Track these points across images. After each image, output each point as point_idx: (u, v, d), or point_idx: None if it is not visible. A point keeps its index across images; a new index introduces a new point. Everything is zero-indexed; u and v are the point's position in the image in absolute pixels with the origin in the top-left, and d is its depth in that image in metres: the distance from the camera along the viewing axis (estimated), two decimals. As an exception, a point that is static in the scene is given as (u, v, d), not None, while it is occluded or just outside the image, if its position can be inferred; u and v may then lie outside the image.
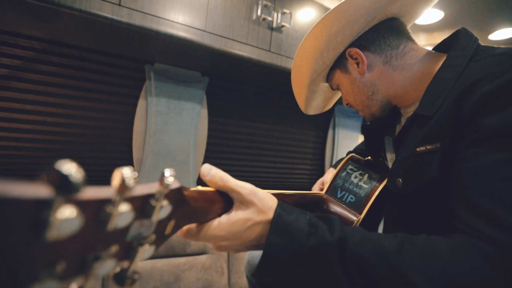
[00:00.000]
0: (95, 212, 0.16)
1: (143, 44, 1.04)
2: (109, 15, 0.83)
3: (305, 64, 0.58)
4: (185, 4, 0.95)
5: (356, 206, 0.53)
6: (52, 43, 1.06)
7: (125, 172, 0.16)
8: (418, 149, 0.42)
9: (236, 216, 0.32)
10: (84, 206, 0.15)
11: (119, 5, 0.84)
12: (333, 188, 0.58)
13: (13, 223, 0.12)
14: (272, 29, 1.13)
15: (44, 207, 0.12)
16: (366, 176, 0.57)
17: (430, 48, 0.55)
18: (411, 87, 0.51)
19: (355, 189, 0.55)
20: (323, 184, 0.73)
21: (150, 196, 0.20)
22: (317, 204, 0.55)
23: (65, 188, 0.13)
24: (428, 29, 1.39)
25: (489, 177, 0.32)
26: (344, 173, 0.59)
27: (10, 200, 0.12)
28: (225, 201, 0.33)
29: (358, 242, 0.31)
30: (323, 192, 0.59)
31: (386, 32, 0.53)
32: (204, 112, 1.41)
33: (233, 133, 1.52)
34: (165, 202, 0.21)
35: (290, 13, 1.15)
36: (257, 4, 1.08)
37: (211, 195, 0.31)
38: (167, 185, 0.19)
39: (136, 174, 0.17)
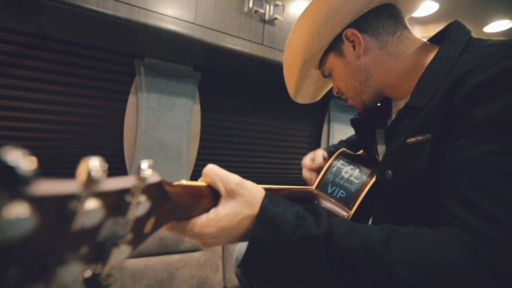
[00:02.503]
0: (56, 210, 0.14)
1: (132, 38, 1.00)
2: (94, 7, 0.80)
3: (301, 44, 0.57)
4: (175, -5, 0.92)
5: (347, 201, 0.52)
6: (37, 37, 1.02)
7: (92, 164, 0.14)
8: (408, 141, 0.42)
9: (224, 210, 0.31)
10: (39, 203, 0.13)
11: (105, -4, 0.81)
12: (323, 183, 0.57)
13: None
14: (264, 21, 1.11)
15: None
16: (356, 171, 0.56)
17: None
18: (404, 77, 0.50)
19: (345, 184, 0.54)
20: (313, 159, 0.70)
21: (125, 191, 0.18)
22: (307, 200, 0.54)
23: (10, 182, 0.11)
24: (423, 21, 1.38)
25: (478, 168, 0.32)
26: (334, 168, 0.58)
27: None
28: (212, 196, 0.31)
29: (345, 235, 0.30)
30: (314, 187, 0.57)
31: (385, 17, 0.52)
32: (197, 107, 1.39)
33: (226, 129, 1.50)
34: (142, 198, 0.19)
35: (283, 5, 1.13)
36: (249, -4, 1.05)
37: (197, 190, 0.29)
38: (144, 179, 0.18)
39: (106, 165, 0.15)
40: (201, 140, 1.42)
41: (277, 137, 1.66)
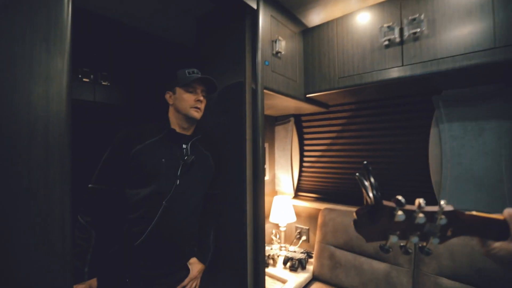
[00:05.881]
0: (410, 214, 0.41)
1: (426, 82, 1.20)
2: (396, 76, 1.12)
3: None
4: (468, 30, 0.99)
5: None
6: (361, 103, 1.57)
7: (421, 201, 0.40)
8: None
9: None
10: (405, 211, 0.41)
11: (403, 65, 1.11)
12: None
13: (378, 214, 0.41)
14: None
15: (394, 209, 0.40)
16: None
17: None
18: None
19: None
20: None
21: (435, 212, 0.42)
22: None
23: (399, 204, 0.40)
24: None
25: None
26: None
27: (386, 206, 0.41)
28: (499, 230, 0.43)
29: None
30: None
31: None
32: (516, 127, 1.19)
33: None
34: (442, 216, 0.41)
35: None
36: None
37: (482, 219, 0.43)
38: (442, 208, 0.40)
39: (424, 202, 0.40)
40: (529, 164, 1.18)
41: None
